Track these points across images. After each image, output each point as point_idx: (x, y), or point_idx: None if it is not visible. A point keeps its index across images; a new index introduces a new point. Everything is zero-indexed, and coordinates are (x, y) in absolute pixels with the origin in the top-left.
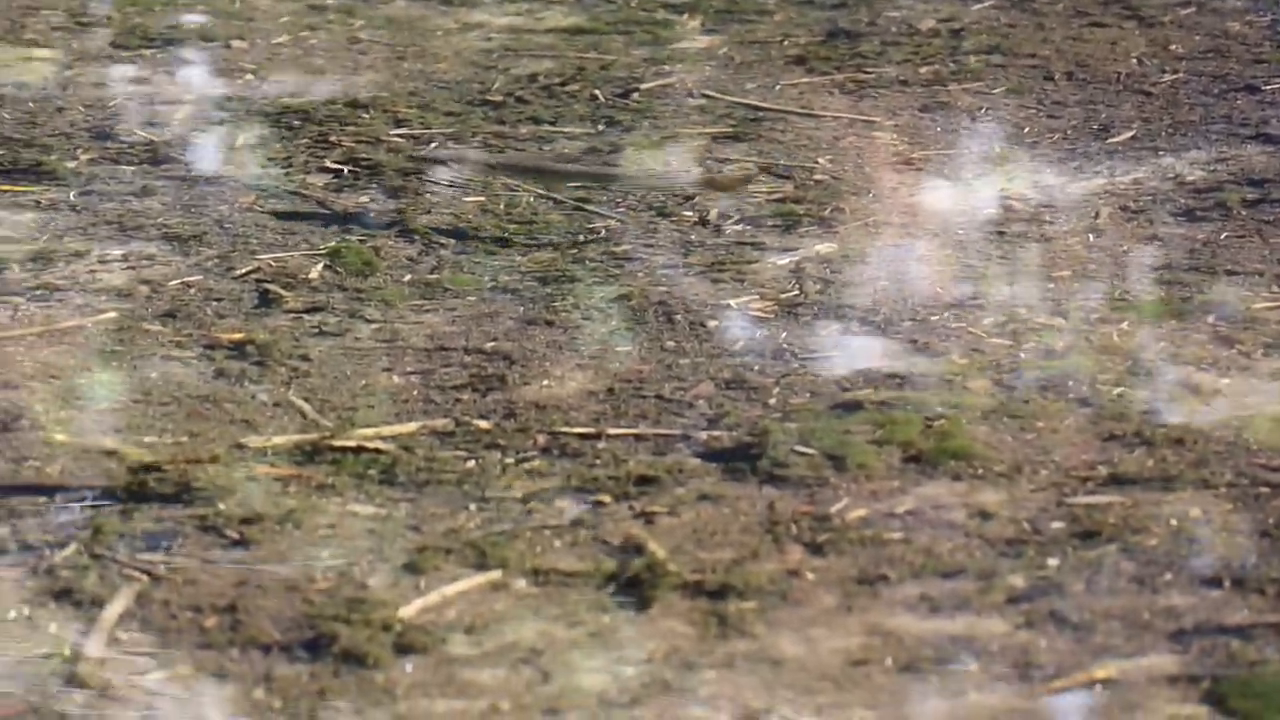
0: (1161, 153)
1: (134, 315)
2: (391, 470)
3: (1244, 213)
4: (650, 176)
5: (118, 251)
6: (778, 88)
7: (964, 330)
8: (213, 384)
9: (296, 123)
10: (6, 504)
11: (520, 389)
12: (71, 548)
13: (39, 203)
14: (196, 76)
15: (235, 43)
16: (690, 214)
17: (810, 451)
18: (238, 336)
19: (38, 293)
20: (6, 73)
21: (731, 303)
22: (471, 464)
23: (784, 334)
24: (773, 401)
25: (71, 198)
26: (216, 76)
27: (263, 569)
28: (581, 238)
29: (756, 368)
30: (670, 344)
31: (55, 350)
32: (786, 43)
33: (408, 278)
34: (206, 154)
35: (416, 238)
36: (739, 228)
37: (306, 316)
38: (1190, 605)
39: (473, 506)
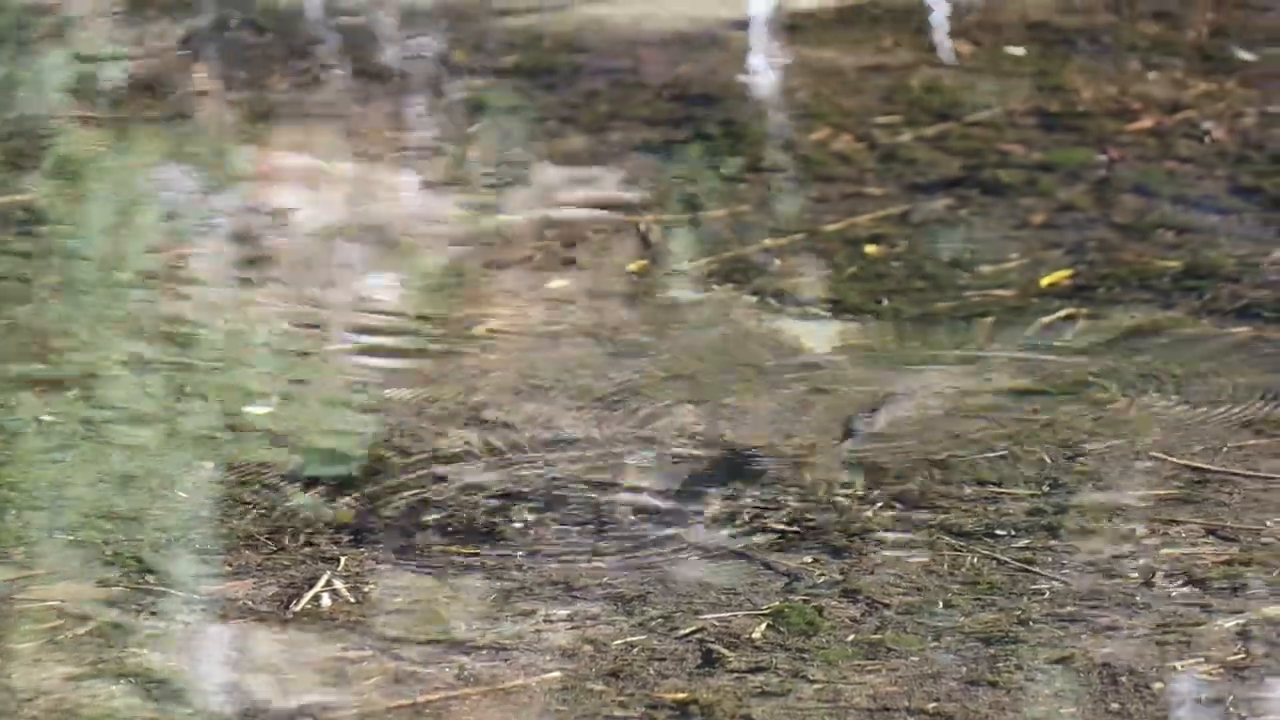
0: None
1: (578, 675)
2: None
3: None
4: None
5: (563, 612)
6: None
7: None
8: None
9: (739, 485)
10: None
11: None
12: None
13: (485, 564)
14: (634, 431)
15: None
16: (1135, 575)
17: None
18: (681, 696)
19: (483, 652)
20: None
21: (1177, 665)
22: None
23: (1230, 696)
24: None
25: (518, 558)
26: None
27: None
28: (1025, 599)
29: None
30: (1114, 706)
31: (500, 709)
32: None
33: (850, 637)
34: (653, 514)
35: (860, 598)
36: (1185, 590)
37: (749, 676)
38: None
39: None
